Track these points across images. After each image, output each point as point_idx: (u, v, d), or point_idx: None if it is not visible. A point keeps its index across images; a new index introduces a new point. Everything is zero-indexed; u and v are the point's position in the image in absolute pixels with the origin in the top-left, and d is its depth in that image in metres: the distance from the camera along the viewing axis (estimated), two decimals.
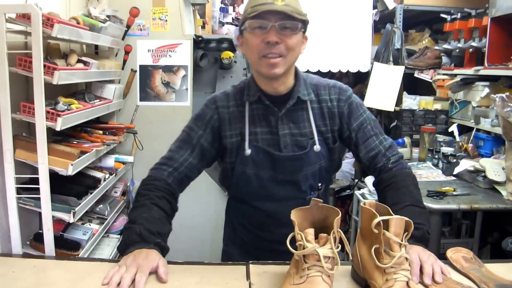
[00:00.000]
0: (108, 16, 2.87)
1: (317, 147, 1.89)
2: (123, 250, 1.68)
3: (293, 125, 1.89)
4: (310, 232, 1.50)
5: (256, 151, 1.89)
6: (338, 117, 1.93)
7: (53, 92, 2.35)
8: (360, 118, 1.94)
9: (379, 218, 1.44)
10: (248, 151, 1.88)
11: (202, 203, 3.62)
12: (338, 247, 1.48)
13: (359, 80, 5.43)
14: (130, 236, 1.69)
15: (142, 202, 1.81)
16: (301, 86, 1.90)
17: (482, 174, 3.18)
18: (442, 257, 1.80)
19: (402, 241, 1.44)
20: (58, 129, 2.14)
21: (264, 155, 1.89)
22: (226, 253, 2.19)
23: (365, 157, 1.93)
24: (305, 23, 1.78)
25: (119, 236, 3.08)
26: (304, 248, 1.46)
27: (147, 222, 1.71)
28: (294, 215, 1.54)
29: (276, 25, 1.69)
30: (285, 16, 1.68)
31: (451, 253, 1.81)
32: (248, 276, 1.68)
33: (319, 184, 1.96)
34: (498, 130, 3.22)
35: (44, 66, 2.06)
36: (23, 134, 2.23)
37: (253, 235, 2.05)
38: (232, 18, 5.10)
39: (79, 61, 2.52)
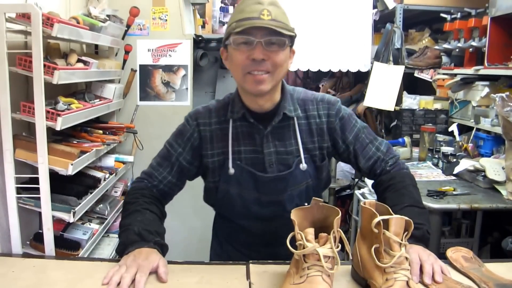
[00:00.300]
0: (108, 15, 2.87)
1: (303, 166, 1.85)
2: (122, 251, 1.69)
3: (278, 142, 1.84)
4: (310, 231, 1.50)
5: (240, 171, 1.85)
6: (327, 134, 1.89)
7: (53, 92, 2.35)
8: (354, 130, 1.91)
9: (379, 218, 1.44)
10: (231, 171, 1.84)
11: (203, 204, 3.61)
12: (338, 247, 1.49)
13: (359, 80, 5.44)
14: (128, 236, 1.69)
15: (132, 208, 1.80)
16: (287, 101, 1.84)
17: (482, 174, 3.18)
18: (442, 256, 1.80)
19: (402, 240, 1.44)
20: (58, 128, 2.14)
21: (248, 175, 1.85)
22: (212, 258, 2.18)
23: (365, 166, 1.92)
24: (292, 38, 1.72)
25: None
26: (304, 248, 1.47)
27: (143, 224, 1.72)
28: (294, 215, 1.54)
29: (262, 41, 1.62)
30: (272, 31, 1.62)
31: (451, 252, 1.81)
32: (248, 276, 1.68)
33: (306, 204, 1.87)
34: (498, 130, 3.22)
35: (44, 65, 2.06)
36: (23, 133, 2.23)
37: (240, 254, 2.01)
38: None
39: (79, 60, 2.52)
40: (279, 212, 1.87)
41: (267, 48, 1.64)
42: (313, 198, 1.58)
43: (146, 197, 1.85)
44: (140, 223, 1.71)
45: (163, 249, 1.70)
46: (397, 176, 1.87)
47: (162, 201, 1.94)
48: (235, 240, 2.04)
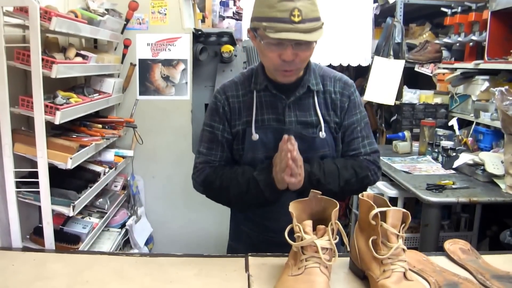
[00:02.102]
0: (106, 9, 2.86)
1: (322, 134, 1.88)
2: (271, 190, 1.81)
3: (299, 112, 1.89)
4: (308, 223, 1.51)
5: (264, 133, 1.88)
6: (339, 110, 1.93)
7: (52, 86, 2.35)
8: (353, 118, 1.95)
9: (376, 210, 1.45)
10: (255, 136, 1.87)
11: (204, 198, 3.60)
12: (336, 239, 1.49)
13: (360, 74, 5.43)
14: (260, 180, 1.82)
15: (227, 183, 1.90)
16: (311, 75, 1.90)
17: (481, 168, 3.19)
18: (440, 249, 1.81)
19: (399, 232, 1.45)
20: (57, 122, 2.14)
21: (272, 135, 1.88)
22: (231, 247, 2.19)
23: (345, 155, 1.97)
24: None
25: (119, 230, 3.09)
26: (302, 240, 1.47)
27: (246, 172, 1.87)
28: (293, 207, 1.54)
29: (293, 44, 1.67)
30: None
31: (448, 244, 1.82)
32: (247, 268, 1.69)
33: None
34: (498, 124, 3.22)
35: (42, 59, 2.05)
36: (22, 128, 2.23)
37: (257, 227, 2.03)
38: (233, 12, 5.09)
39: (77, 55, 2.51)
40: None
41: (297, 48, 1.69)
42: (312, 190, 1.59)
43: (225, 169, 1.95)
44: (249, 172, 1.86)
45: None
46: (358, 162, 1.93)
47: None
48: (253, 212, 2.03)
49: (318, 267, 1.45)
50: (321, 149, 1.90)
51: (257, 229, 2.03)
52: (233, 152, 1.98)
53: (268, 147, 1.88)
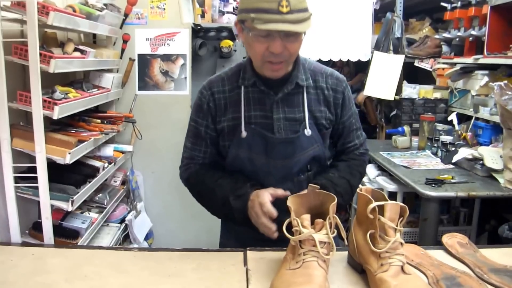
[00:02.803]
0: (105, 4, 2.86)
1: (307, 131, 1.86)
2: (243, 218, 1.80)
3: (287, 109, 1.87)
4: (306, 217, 1.51)
5: (252, 134, 1.86)
6: (333, 107, 1.93)
7: (51, 81, 2.35)
8: (349, 112, 1.97)
9: (374, 204, 1.45)
10: (244, 133, 1.86)
11: None
12: (334, 233, 1.49)
13: (360, 69, 5.44)
14: (234, 206, 1.81)
15: (207, 191, 1.93)
16: (300, 71, 1.88)
17: (480, 162, 3.20)
18: (439, 243, 1.81)
19: (397, 226, 1.45)
20: (55, 117, 2.14)
21: (259, 138, 1.86)
22: (222, 244, 2.19)
23: (340, 148, 2.03)
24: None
25: (119, 225, 3.09)
26: (300, 234, 1.47)
27: (228, 189, 1.85)
28: (291, 201, 1.54)
29: (282, 35, 1.65)
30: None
31: (446, 238, 1.82)
32: (245, 262, 1.69)
33: (308, 166, 1.94)
34: (497, 119, 3.22)
35: (40, 54, 2.05)
36: (21, 123, 2.24)
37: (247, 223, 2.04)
38: (233, 7, 5.07)
39: (76, 49, 2.51)
40: (283, 179, 1.89)
41: (285, 39, 1.66)
42: (310, 184, 1.60)
43: (208, 173, 1.96)
44: (226, 191, 1.85)
45: (256, 186, 1.83)
46: (358, 160, 2.01)
47: (216, 168, 2.00)
48: None
49: (316, 261, 1.45)
50: (309, 147, 1.89)
51: (247, 227, 1.99)
52: (219, 148, 1.98)
53: (252, 150, 1.88)
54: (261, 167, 1.89)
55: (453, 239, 1.82)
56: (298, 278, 1.43)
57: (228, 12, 4.91)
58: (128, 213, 3.24)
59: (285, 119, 1.86)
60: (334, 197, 1.52)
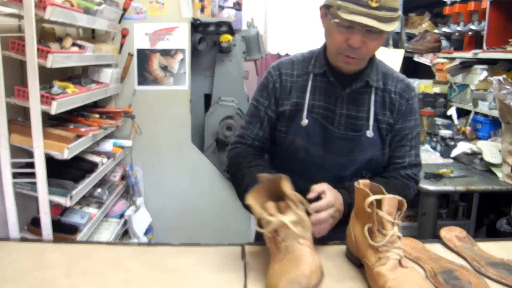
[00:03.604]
0: None
1: (370, 133, 1.82)
2: None
3: (351, 106, 1.83)
4: (270, 205, 1.51)
5: (313, 123, 1.83)
6: (396, 112, 1.87)
7: (49, 77, 2.35)
8: (407, 123, 1.89)
9: (372, 197, 1.44)
10: (305, 121, 1.82)
11: (203, 188, 3.63)
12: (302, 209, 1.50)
13: None
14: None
15: (240, 174, 1.85)
16: (373, 71, 1.84)
17: (479, 157, 3.21)
18: (438, 237, 1.81)
19: (395, 220, 1.45)
20: (53, 112, 2.14)
21: (320, 129, 1.83)
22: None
23: (387, 160, 1.92)
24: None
25: (118, 220, 3.09)
26: (269, 224, 1.47)
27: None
28: (251, 199, 1.53)
29: (364, 30, 1.61)
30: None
31: (444, 232, 1.82)
32: (243, 256, 1.69)
33: (364, 172, 1.89)
34: (496, 113, 3.22)
35: (38, 49, 2.05)
36: (18, 118, 2.23)
37: None
38: (233, 2, 5.08)
39: (74, 44, 2.50)
40: (337, 180, 1.83)
41: (366, 35, 1.63)
42: (259, 175, 1.57)
43: (246, 158, 1.89)
44: (253, 180, 1.67)
45: None
46: (399, 180, 1.88)
47: (261, 155, 1.97)
48: None
49: (297, 242, 1.45)
50: (369, 149, 1.85)
51: None
52: (275, 133, 1.94)
53: (310, 139, 1.84)
54: (316, 159, 1.85)
55: (451, 233, 1.82)
56: (289, 266, 1.42)
57: (228, 7, 4.92)
58: (128, 208, 3.24)
59: (347, 116, 1.83)
60: (282, 176, 1.51)
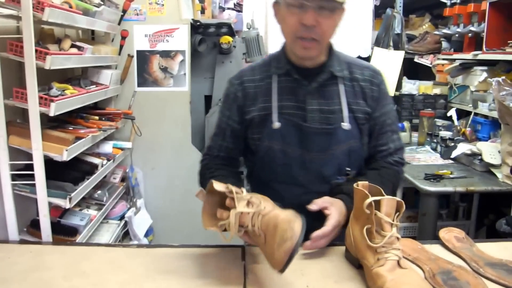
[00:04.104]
0: (103, 0, 2.85)
1: (346, 125, 1.80)
2: None
3: (322, 100, 1.81)
4: (219, 212, 1.52)
5: (286, 124, 1.81)
6: (370, 99, 1.85)
7: (48, 78, 2.35)
8: (383, 109, 1.88)
9: (370, 199, 1.44)
10: (276, 124, 1.80)
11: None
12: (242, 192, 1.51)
13: None
14: None
15: (203, 184, 1.87)
16: (335, 61, 1.83)
17: (479, 157, 3.21)
18: (437, 237, 1.81)
19: (393, 221, 1.45)
20: (51, 114, 2.13)
21: (293, 128, 1.81)
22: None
23: (372, 150, 1.90)
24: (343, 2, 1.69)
25: (118, 222, 3.10)
26: (231, 225, 1.47)
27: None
28: (204, 221, 1.56)
29: (315, 6, 1.62)
30: None
31: (443, 233, 1.82)
32: (243, 258, 1.69)
33: (348, 169, 1.85)
34: (496, 114, 3.22)
35: (36, 51, 2.04)
36: (17, 120, 2.23)
37: None
38: (234, 3, 5.07)
39: (73, 46, 2.50)
40: (319, 178, 1.83)
41: (319, 12, 1.63)
42: (198, 192, 1.60)
43: (210, 169, 1.90)
44: None
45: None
46: (390, 169, 1.87)
47: (229, 165, 1.97)
48: None
49: (262, 216, 1.46)
50: (346, 141, 1.82)
51: None
52: (249, 142, 1.93)
53: (286, 141, 1.82)
54: (295, 159, 1.83)
55: (450, 234, 1.82)
56: (270, 238, 1.42)
57: (228, 8, 4.91)
58: (128, 210, 3.24)
59: (319, 111, 1.81)
60: (210, 182, 1.53)
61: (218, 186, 1.51)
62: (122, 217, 3.16)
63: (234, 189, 1.50)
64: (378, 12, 5.15)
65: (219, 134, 1.96)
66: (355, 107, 1.83)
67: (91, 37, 3.29)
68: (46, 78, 2.29)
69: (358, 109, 1.83)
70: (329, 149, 1.81)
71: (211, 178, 1.71)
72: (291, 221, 1.40)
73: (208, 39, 3.78)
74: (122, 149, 3.15)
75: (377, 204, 1.45)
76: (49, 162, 2.19)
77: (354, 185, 1.55)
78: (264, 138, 1.85)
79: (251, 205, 1.48)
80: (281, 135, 1.82)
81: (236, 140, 1.94)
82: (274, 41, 5.26)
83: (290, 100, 1.83)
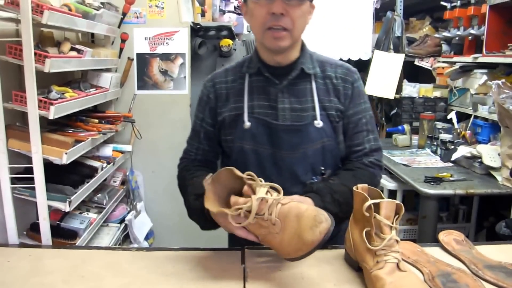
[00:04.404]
0: (102, 3, 2.85)
1: (318, 122, 1.78)
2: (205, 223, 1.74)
3: (294, 99, 1.80)
4: (235, 199, 1.51)
5: (256, 123, 1.80)
6: (343, 96, 1.84)
7: (48, 81, 2.35)
8: (358, 107, 1.85)
9: (370, 202, 1.44)
10: (247, 124, 1.80)
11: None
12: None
13: (360, 68, 5.37)
14: (195, 209, 1.77)
15: (184, 189, 1.88)
16: (306, 59, 1.83)
17: (479, 160, 3.21)
18: (436, 240, 1.81)
19: (392, 224, 1.45)
20: (51, 117, 2.13)
21: (264, 127, 1.80)
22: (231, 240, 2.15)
23: (347, 149, 1.88)
24: None
25: (118, 225, 3.09)
26: (250, 210, 1.46)
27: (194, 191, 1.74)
28: (208, 204, 1.55)
29: None
30: None
31: (443, 236, 1.83)
32: (243, 261, 1.69)
33: (322, 168, 1.83)
34: (496, 117, 3.22)
35: (35, 54, 2.03)
36: (17, 123, 2.23)
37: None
38: (234, 6, 5.07)
39: (73, 49, 2.50)
40: (292, 178, 1.82)
41: (287, 1, 1.64)
42: (204, 180, 1.59)
43: (190, 171, 1.90)
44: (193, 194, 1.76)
45: None
46: (366, 171, 1.83)
47: (207, 167, 1.95)
48: None
49: (282, 204, 1.47)
50: (319, 139, 1.80)
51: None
52: (223, 145, 1.94)
53: (257, 140, 1.81)
54: (267, 159, 1.82)
55: (449, 236, 1.82)
56: (295, 224, 1.43)
57: (229, 11, 4.91)
58: (128, 213, 3.24)
59: (291, 110, 1.80)
60: (226, 168, 1.54)
61: (238, 172, 1.51)
62: (122, 220, 3.16)
63: (254, 175, 1.50)
64: (379, 15, 5.16)
65: (194, 137, 1.97)
66: (328, 105, 1.82)
67: (91, 40, 3.29)
68: (45, 81, 2.29)
69: (331, 107, 1.82)
70: (300, 147, 1.79)
71: (193, 178, 1.78)
72: (318, 210, 1.44)
73: (208, 42, 3.79)
74: (122, 152, 3.15)
75: (377, 207, 1.45)
76: (48, 165, 2.18)
77: (354, 188, 1.55)
78: (236, 139, 1.85)
79: (269, 194, 1.48)
80: (251, 135, 1.81)
81: (211, 142, 1.95)
82: None
83: (261, 99, 1.83)
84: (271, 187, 1.50)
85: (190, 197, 1.76)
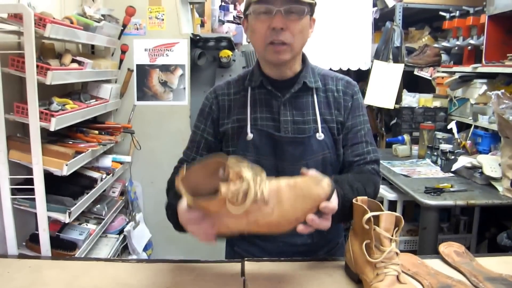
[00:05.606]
0: (103, 15, 2.87)
1: (319, 135, 1.79)
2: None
3: (296, 111, 1.81)
4: (225, 184, 1.34)
5: (259, 135, 1.81)
6: (343, 109, 1.85)
7: (49, 93, 2.36)
8: (356, 119, 1.86)
9: (369, 214, 1.44)
10: (250, 135, 1.80)
11: None
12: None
13: (360, 78, 5.44)
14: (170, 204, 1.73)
15: (169, 188, 1.86)
16: (308, 72, 1.84)
17: (479, 171, 3.20)
18: (437, 252, 1.81)
19: (392, 236, 1.45)
20: (52, 129, 2.14)
21: (266, 139, 1.80)
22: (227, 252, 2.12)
23: (348, 160, 1.86)
24: (312, 6, 1.72)
25: (117, 236, 3.09)
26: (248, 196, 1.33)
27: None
28: (191, 201, 1.38)
29: (282, 10, 1.64)
30: (291, 0, 1.65)
31: (443, 247, 1.82)
32: (243, 273, 1.68)
33: None
34: (496, 127, 3.23)
35: (37, 66, 2.05)
36: (18, 135, 2.23)
37: (253, 248, 1.95)
38: (233, 16, 5.09)
39: (73, 61, 2.51)
40: None
41: (287, 16, 1.65)
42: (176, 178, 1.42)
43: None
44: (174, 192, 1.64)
45: None
46: (365, 173, 1.82)
47: None
48: (247, 240, 1.96)
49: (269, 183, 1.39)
50: (320, 151, 1.80)
51: (253, 251, 1.94)
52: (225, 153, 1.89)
53: (259, 152, 1.81)
54: (269, 170, 1.68)
55: (449, 248, 1.82)
56: (290, 198, 1.38)
57: (228, 21, 4.92)
58: (127, 224, 3.23)
59: (293, 122, 1.81)
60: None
61: (219, 156, 1.40)
62: (121, 231, 3.15)
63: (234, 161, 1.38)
64: (378, 25, 5.17)
65: (192, 148, 1.95)
66: (329, 117, 1.83)
67: (91, 51, 3.30)
68: (46, 92, 2.30)
69: (333, 119, 1.83)
70: (302, 159, 1.79)
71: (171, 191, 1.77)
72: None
73: (207, 53, 3.79)
74: (121, 163, 3.15)
75: (376, 219, 1.45)
76: (48, 176, 2.18)
77: (353, 200, 1.55)
78: (239, 151, 1.84)
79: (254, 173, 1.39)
80: (254, 146, 1.81)
81: (210, 153, 1.92)
82: None
83: (264, 111, 1.83)
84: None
85: (170, 195, 1.77)
